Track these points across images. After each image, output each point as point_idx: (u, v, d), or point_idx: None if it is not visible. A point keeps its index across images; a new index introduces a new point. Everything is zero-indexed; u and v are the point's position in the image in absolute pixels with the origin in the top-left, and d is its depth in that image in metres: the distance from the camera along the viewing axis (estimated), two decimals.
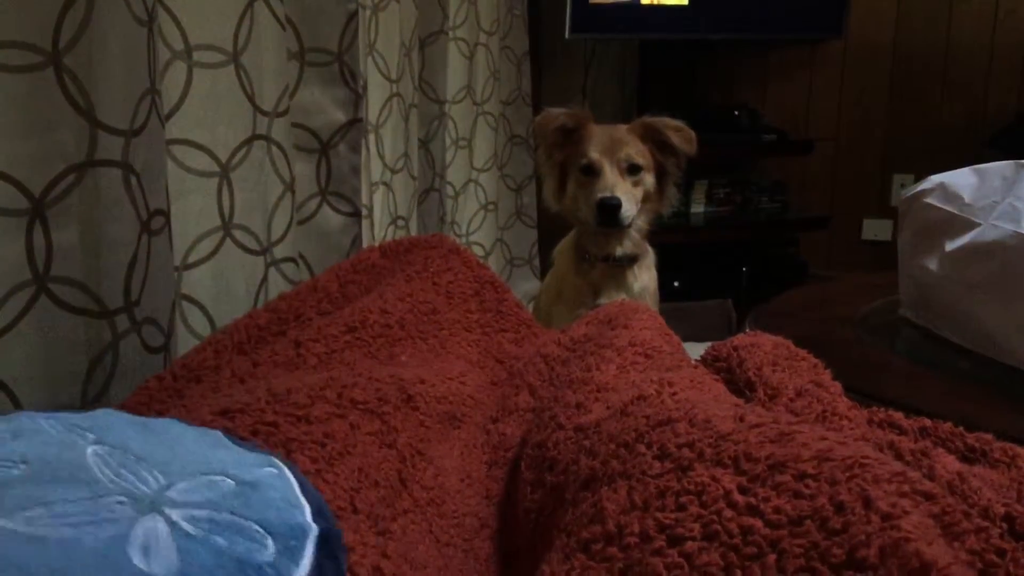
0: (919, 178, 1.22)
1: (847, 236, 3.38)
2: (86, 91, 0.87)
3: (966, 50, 3.15)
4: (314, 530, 0.45)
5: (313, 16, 1.38)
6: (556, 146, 1.55)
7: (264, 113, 1.23)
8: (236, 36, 1.16)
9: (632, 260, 1.55)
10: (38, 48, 0.83)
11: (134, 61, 0.94)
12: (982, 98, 3.15)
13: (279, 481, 0.47)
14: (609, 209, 1.45)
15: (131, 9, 0.92)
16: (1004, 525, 0.52)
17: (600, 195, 1.46)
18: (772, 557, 0.38)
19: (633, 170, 1.50)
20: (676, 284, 2.80)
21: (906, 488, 0.40)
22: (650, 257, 1.61)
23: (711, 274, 2.96)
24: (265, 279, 1.25)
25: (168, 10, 1.08)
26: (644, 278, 1.57)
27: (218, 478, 0.46)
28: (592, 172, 1.49)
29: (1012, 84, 3.10)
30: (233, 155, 1.18)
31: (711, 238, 3.06)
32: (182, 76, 1.11)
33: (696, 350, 0.85)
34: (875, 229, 3.35)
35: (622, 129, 1.53)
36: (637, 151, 1.50)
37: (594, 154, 1.49)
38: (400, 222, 1.95)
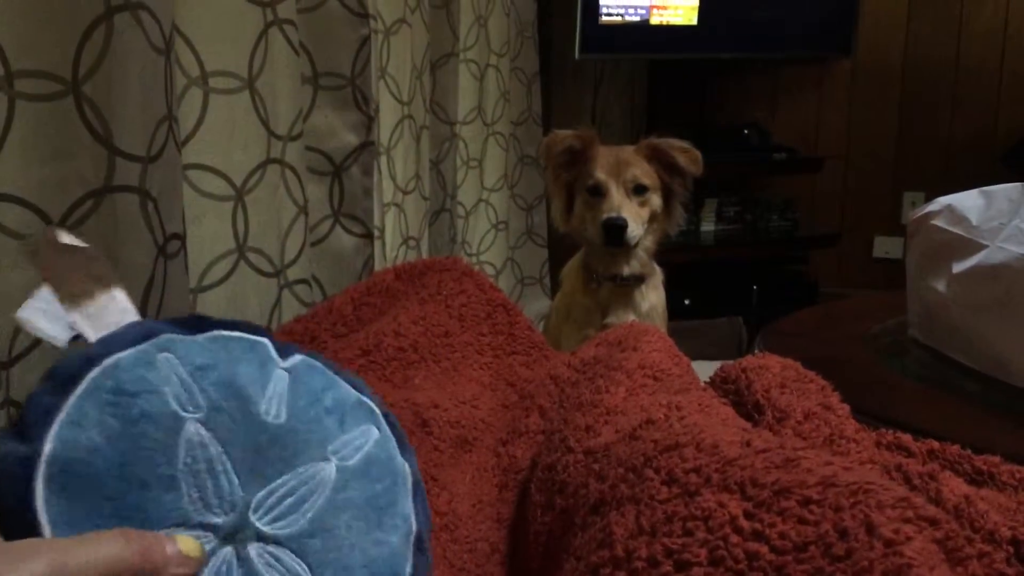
0: (929, 196, 1.22)
1: (858, 254, 3.38)
2: (104, 118, 0.89)
3: (975, 67, 3.15)
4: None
5: (326, 41, 1.40)
6: (563, 167, 1.56)
7: (278, 137, 1.25)
8: (251, 62, 1.18)
9: (640, 280, 1.55)
10: (58, 77, 0.85)
11: (151, 88, 0.96)
12: (992, 116, 3.15)
13: None
14: (615, 229, 1.46)
15: (148, 37, 0.94)
16: (1010, 549, 0.52)
17: (606, 215, 1.46)
18: None
19: (639, 190, 1.51)
20: (687, 302, 2.80)
21: (910, 514, 0.40)
22: (658, 277, 1.61)
23: (721, 292, 2.96)
24: (279, 301, 1.27)
25: (185, 37, 1.10)
26: (652, 298, 1.58)
27: None
28: (599, 193, 1.50)
29: (1022, 101, 3.10)
30: (248, 179, 1.19)
31: (721, 256, 3.06)
32: (198, 102, 1.13)
33: (706, 368, 0.86)
34: (886, 247, 3.35)
35: (628, 150, 1.53)
36: (643, 172, 1.51)
37: (600, 175, 1.50)
38: (411, 242, 1.96)
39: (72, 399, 0.43)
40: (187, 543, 0.41)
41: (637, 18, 2.95)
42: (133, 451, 0.43)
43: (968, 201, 1.11)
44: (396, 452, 0.53)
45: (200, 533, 0.43)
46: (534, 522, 0.61)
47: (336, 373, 0.55)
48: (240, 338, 0.51)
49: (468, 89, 2.33)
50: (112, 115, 0.89)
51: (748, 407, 0.75)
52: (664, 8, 2.96)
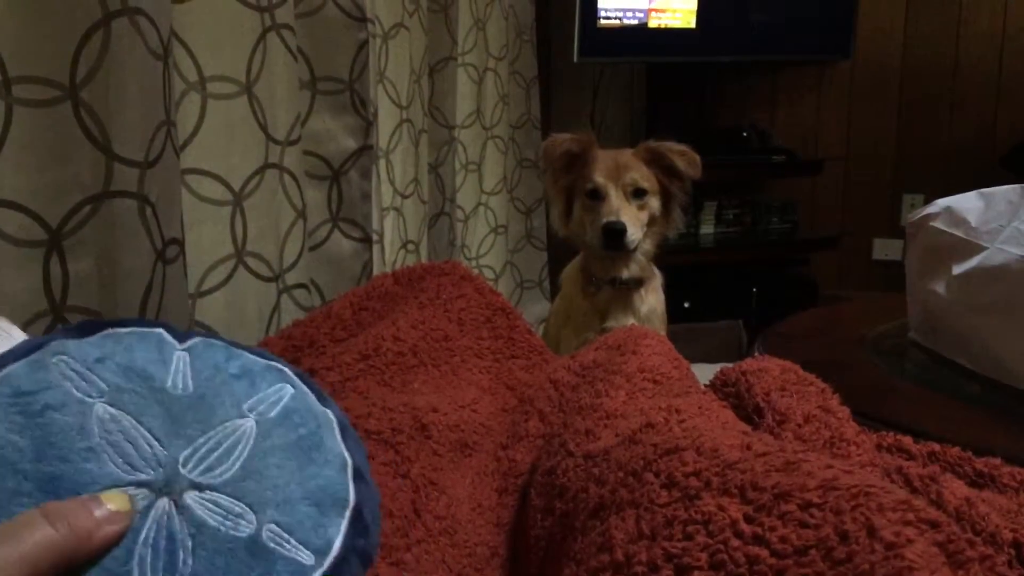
0: (929, 198, 1.22)
1: (857, 256, 3.38)
2: (102, 124, 0.89)
3: (974, 69, 3.15)
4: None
5: (324, 46, 1.40)
6: (562, 171, 1.56)
7: (276, 142, 1.25)
8: (249, 67, 1.18)
9: (639, 283, 1.55)
10: (56, 83, 0.85)
11: (149, 94, 0.96)
12: (991, 117, 3.15)
13: None
14: (614, 233, 1.46)
15: (146, 43, 0.94)
16: (1012, 551, 0.52)
17: (605, 219, 1.46)
18: None
19: (638, 194, 1.51)
20: (686, 305, 2.80)
21: (911, 516, 0.40)
22: (657, 280, 1.61)
23: (721, 295, 2.95)
24: (277, 305, 1.27)
25: (183, 43, 1.10)
26: (651, 301, 1.57)
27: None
28: (597, 196, 1.50)
29: (1022, 103, 3.10)
30: (246, 184, 1.19)
31: (721, 259, 3.06)
32: (196, 107, 1.13)
33: (706, 371, 0.86)
34: (886, 249, 3.35)
35: (627, 154, 1.53)
36: (642, 175, 1.51)
37: (599, 179, 1.50)
38: (410, 246, 1.96)
39: None
40: (114, 499, 0.40)
41: (635, 21, 2.95)
42: (45, 436, 0.43)
43: (967, 203, 1.11)
44: (315, 403, 0.54)
45: (134, 491, 0.43)
46: (534, 526, 0.61)
47: (239, 347, 0.55)
48: (133, 331, 0.51)
49: (467, 93, 2.33)
50: (110, 120, 0.89)
51: (748, 410, 0.75)
52: (662, 11, 2.96)
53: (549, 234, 2.83)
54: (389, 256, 1.83)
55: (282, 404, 0.52)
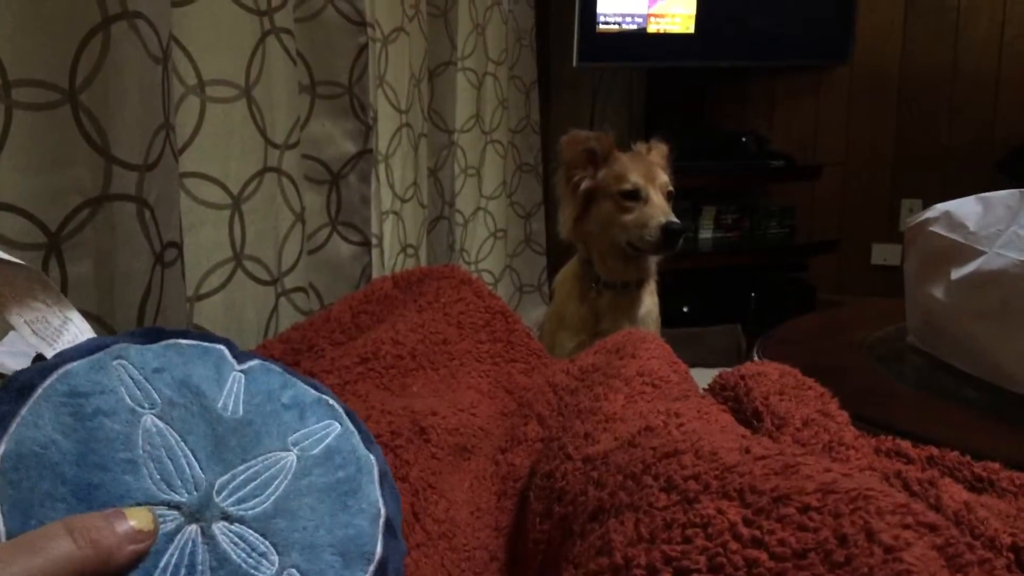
0: (927, 203, 1.22)
1: (856, 261, 3.38)
2: (101, 127, 0.89)
3: (972, 75, 3.16)
4: None
5: (324, 50, 1.41)
6: (578, 168, 1.56)
7: (275, 146, 1.25)
8: (248, 71, 1.18)
9: (640, 284, 1.56)
10: (55, 86, 0.85)
11: (149, 97, 0.96)
12: (989, 122, 3.16)
13: None
14: (674, 233, 1.46)
15: (146, 46, 0.94)
16: (1011, 556, 0.52)
17: (665, 219, 1.47)
18: None
19: (670, 196, 1.53)
20: (685, 309, 2.80)
21: (909, 520, 0.40)
22: (653, 281, 1.62)
23: (720, 299, 2.96)
24: (276, 309, 1.27)
25: (182, 47, 1.10)
26: (648, 303, 1.58)
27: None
28: (636, 197, 1.50)
29: (1020, 108, 3.10)
30: (245, 187, 1.19)
31: (720, 263, 3.06)
32: (195, 110, 1.13)
33: (705, 375, 0.85)
34: (884, 254, 3.36)
35: (652, 156, 1.56)
36: (669, 178, 1.53)
37: (638, 179, 1.50)
38: (410, 250, 1.96)
39: (27, 405, 0.44)
40: (138, 516, 0.40)
41: (634, 27, 2.96)
42: (90, 441, 0.43)
43: (966, 207, 1.11)
44: (359, 444, 0.53)
45: (165, 511, 0.43)
46: (532, 530, 0.61)
47: (294, 376, 0.55)
48: (195, 344, 0.52)
49: (466, 97, 2.33)
50: (109, 124, 0.89)
51: (747, 414, 0.74)
52: (661, 17, 2.96)
53: (548, 238, 2.84)
54: (388, 260, 1.84)
55: (326, 442, 0.52)
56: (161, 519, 0.42)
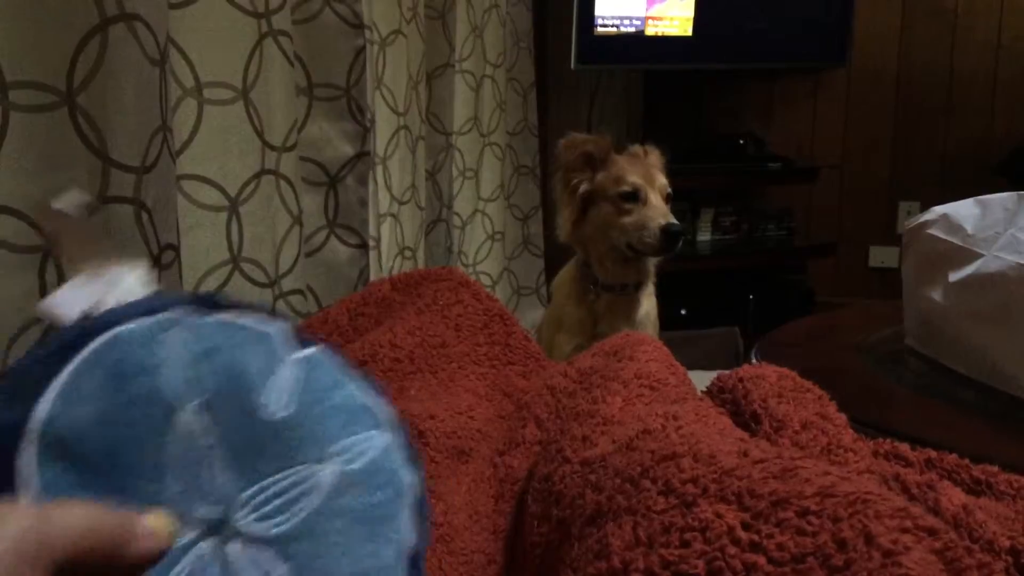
0: (925, 205, 1.22)
1: (854, 263, 3.38)
2: (99, 129, 0.88)
3: (970, 77, 3.16)
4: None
5: (322, 52, 1.40)
6: (576, 171, 1.56)
7: (273, 148, 1.25)
8: (246, 73, 1.18)
9: (638, 287, 1.56)
10: (52, 88, 0.85)
11: (146, 99, 0.95)
12: (987, 125, 3.16)
13: None
14: (674, 235, 1.46)
15: (143, 48, 0.94)
16: (1009, 559, 0.52)
17: (665, 221, 1.46)
18: None
19: (668, 198, 1.53)
20: (683, 312, 2.80)
21: (908, 524, 0.40)
22: (651, 284, 1.62)
23: (718, 302, 2.96)
24: (273, 311, 1.26)
25: (179, 49, 1.10)
26: (646, 305, 1.58)
27: None
28: (635, 199, 1.50)
29: (1017, 110, 3.11)
30: (242, 189, 1.19)
31: (717, 266, 3.06)
32: (193, 113, 1.13)
33: (703, 378, 0.85)
34: (882, 256, 3.36)
35: (649, 158, 1.56)
36: (667, 180, 1.53)
37: (638, 180, 1.50)
38: (407, 253, 1.96)
39: (68, 369, 0.42)
40: (157, 519, 0.39)
41: (632, 29, 2.96)
42: (124, 432, 0.42)
43: (964, 210, 1.11)
44: (401, 463, 0.50)
45: (182, 521, 0.42)
46: (530, 533, 0.61)
47: (350, 372, 0.52)
48: (251, 326, 0.49)
49: (464, 100, 2.33)
50: (107, 126, 0.89)
51: (745, 417, 0.74)
52: (659, 19, 2.96)
53: (546, 241, 2.84)
54: (386, 262, 1.83)
55: (369, 457, 0.49)
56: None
